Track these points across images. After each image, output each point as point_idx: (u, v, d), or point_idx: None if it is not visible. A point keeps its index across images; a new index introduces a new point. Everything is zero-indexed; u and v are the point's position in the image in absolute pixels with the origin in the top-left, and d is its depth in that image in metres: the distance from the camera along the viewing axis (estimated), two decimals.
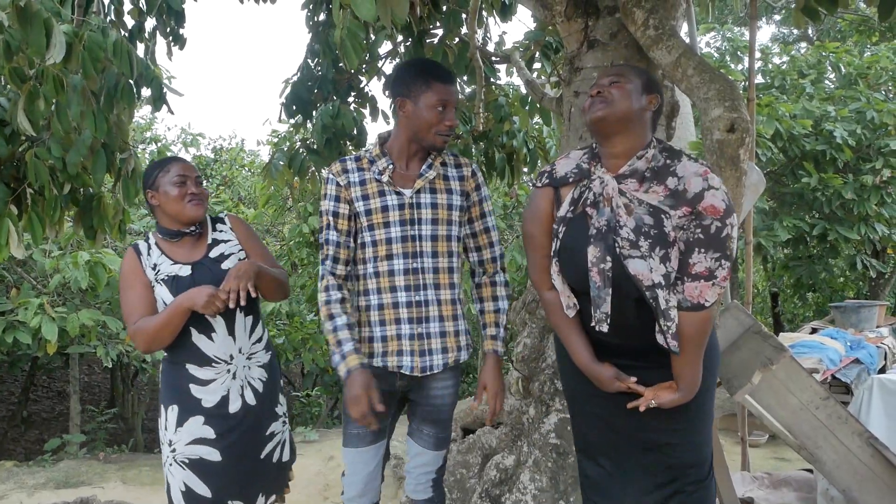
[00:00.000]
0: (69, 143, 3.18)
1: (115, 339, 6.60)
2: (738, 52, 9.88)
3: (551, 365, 2.74)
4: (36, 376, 11.51)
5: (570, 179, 1.91)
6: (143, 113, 14.36)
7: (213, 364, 2.24)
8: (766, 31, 16.51)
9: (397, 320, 2.11)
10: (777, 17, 16.31)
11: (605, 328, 1.85)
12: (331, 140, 4.19)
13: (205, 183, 8.55)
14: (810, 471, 3.87)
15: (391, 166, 2.13)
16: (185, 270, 2.25)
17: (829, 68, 9.58)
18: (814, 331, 7.58)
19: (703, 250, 1.76)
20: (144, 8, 4.05)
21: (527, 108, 4.25)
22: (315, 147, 4.29)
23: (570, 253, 1.88)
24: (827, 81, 9.56)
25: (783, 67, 9.70)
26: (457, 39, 4.23)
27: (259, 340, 2.37)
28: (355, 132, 4.29)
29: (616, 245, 1.80)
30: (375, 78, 4.78)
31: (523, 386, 2.76)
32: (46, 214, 3.24)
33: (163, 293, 2.21)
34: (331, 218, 2.12)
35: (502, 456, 2.65)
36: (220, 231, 2.38)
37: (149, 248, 2.29)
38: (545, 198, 1.96)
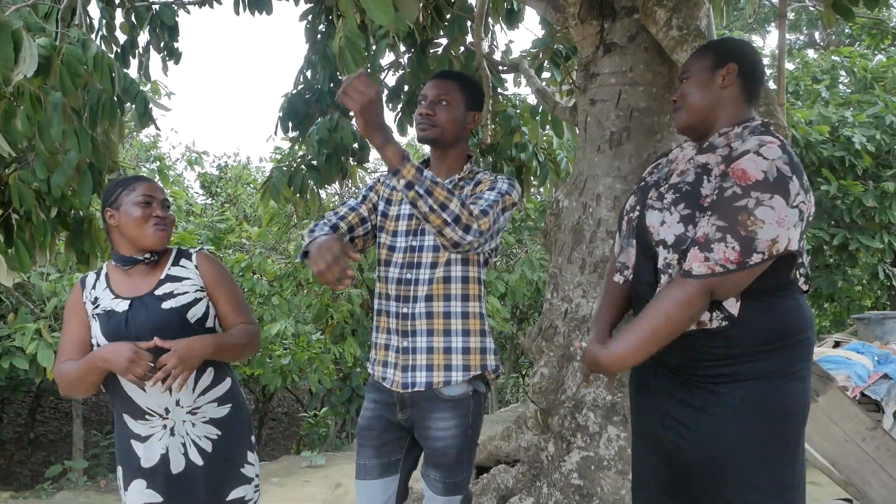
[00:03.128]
0: (55, 164, 3.01)
1: None
2: None
3: (571, 397, 2.51)
4: (42, 398, 11.34)
5: (665, 156, 1.83)
6: (148, 132, 14.33)
7: (147, 417, 1.97)
8: (773, 37, 16.27)
9: (388, 330, 2.01)
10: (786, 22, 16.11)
11: (619, 279, 1.74)
12: (331, 156, 4.00)
13: (173, 208, 8.40)
14: (848, 500, 3.62)
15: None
16: (122, 305, 1.98)
17: (843, 73, 9.40)
18: (837, 344, 7.32)
19: (709, 213, 1.49)
20: (135, 22, 3.90)
21: (537, 118, 4.04)
22: (315, 164, 4.09)
23: (623, 207, 1.81)
24: (841, 86, 9.36)
25: (795, 73, 9.50)
26: (462, 48, 4.04)
27: (205, 392, 2.03)
28: (356, 147, 4.09)
29: (649, 196, 1.67)
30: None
31: (542, 420, 2.54)
32: (36, 239, 3.05)
33: (95, 330, 1.97)
34: (356, 197, 2.12)
35: (520, 498, 2.43)
36: (182, 267, 2.10)
37: (96, 279, 2.06)
38: (645, 172, 1.89)
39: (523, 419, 2.66)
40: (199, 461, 2.01)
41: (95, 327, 1.98)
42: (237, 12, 3.83)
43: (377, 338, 2.06)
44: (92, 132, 2.75)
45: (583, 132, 2.67)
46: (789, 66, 9.85)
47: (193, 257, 2.11)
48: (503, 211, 1.88)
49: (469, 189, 1.99)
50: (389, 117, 4.64)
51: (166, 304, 1.98)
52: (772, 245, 1.44)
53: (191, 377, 1.95)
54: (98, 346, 1.95)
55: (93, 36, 4.05)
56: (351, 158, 4.13)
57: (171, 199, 2.17)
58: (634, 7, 2.48)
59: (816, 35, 16.27)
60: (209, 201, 13.87)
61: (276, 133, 4.34)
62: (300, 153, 4.58)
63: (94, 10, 4.27)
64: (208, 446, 2.03)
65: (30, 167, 3.05)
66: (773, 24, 15.78)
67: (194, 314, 1.99)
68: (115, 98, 2.66)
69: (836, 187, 7.45)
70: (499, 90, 4.05)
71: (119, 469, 2.03)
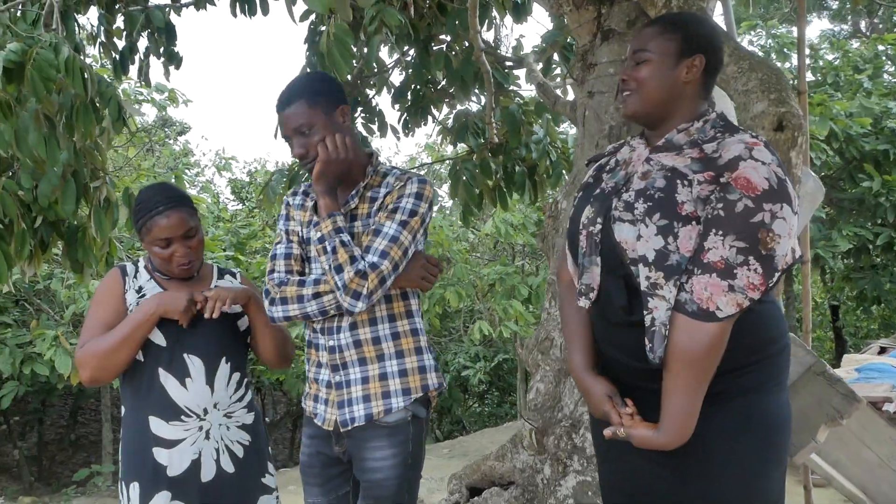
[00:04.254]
0: (42, 172, 2.92)
1: None
2: (785, 50, 9.23)
3: (569, 415, 2.31)
4: (81, 399, 11.51)
5: (607, 152, 1.68)
6: (183, 139, 14.47)
7: (184, 417, 1.89)
8: (814, 28, 15.71)
9: (319, 363, 1.88)
10: (827, 13, 15.56)
11: (585, 303, 1.53)
12: None
13: (208, 231, 8.36)
14: None
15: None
16: None
17: (888, 62, 8.94)
18: (882, 350, 6.94)
19: (720, 233, 1.34)
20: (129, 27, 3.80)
21: (548, 116, 3.83)
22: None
23: (574, 219, 1.61)
24: (886, 76, 8.90)
25: (836, 63, 9.06)
26: (466, 43, 3.86)
27: (240, 399, 2.02)
28: None
29: (611, 207, 1.48)
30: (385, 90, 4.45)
31: (536, 440, 2.34)
32: (14, 250, 2.97)
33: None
34: (281, 239, 1.97)
35: None
36: (229, 282, 2.11)
37: (136, 270, 2.00)
38: (587, 175, 1.72)
39: (519, 438, 2.47)
40: (230, 468, 1.95)
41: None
42: (234, 14, 3.72)
43: (309, 371, 1.93)
44: (72, 138, 2.66)
45: (581, 127, 2.47)
46: (829, 56, 9.42)
47: (238, 276, 2.15)
48: (413, 236, 1.78)
49: (378, 201, 1.84)
50: (394, 118, 4.51)
51: (223, 308, 1.97)
52: (783, 259, 1.34)
53: (230, 378, 1.97)
54: (149, 339, 1.89)
55: (93, 42, 4.02)
56: None
57: (198, 216, 2.05)
58: None
59: (862, 24, 15.65)
60: (239, 207, 13.96)
61: (275, 137, 4.22)
62: None
63: (93, 17, 4.22)
64: (240, 452, 1.98)
65: (16, 176, 2.98)
66: (814, 14, 15.22)
67: (242, 324, 2.02)
68: (91, 103, 2.55)
69: (879, 183, 7.05)
70: (506, 86, 3.85)
71: (133, 487, 1.89)
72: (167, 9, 3.74)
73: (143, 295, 1.93)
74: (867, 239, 7.46)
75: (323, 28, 3.95)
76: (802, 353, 2.35)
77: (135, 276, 1.98)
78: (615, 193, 1.50)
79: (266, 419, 8.88)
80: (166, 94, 7.13)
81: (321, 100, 1.76)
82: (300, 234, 1.90)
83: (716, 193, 1.35)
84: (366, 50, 3.17)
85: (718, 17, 2.43)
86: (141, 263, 2.03)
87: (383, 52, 4.45)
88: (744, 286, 1.32)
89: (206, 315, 1.87)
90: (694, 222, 1.37)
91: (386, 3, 2.95)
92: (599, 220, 1.49)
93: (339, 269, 1.69)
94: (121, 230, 5.71)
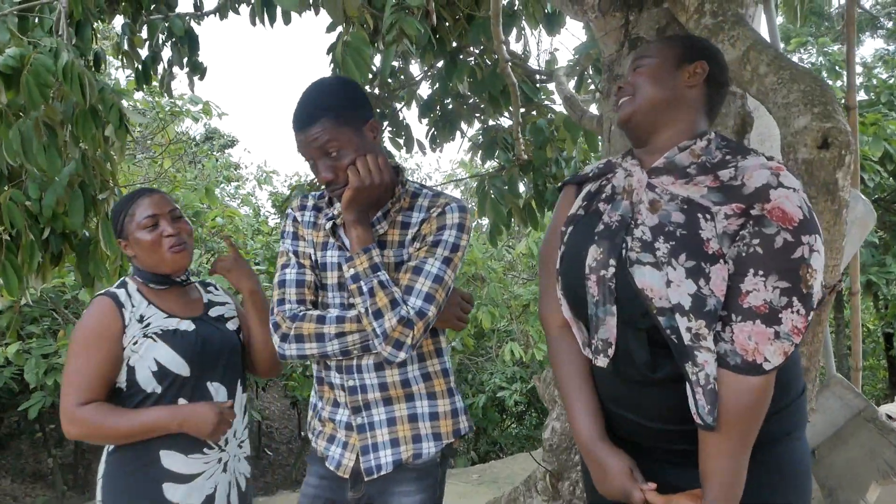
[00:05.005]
0: (49, 182, 2.85)
1: None
2: (837, 68, 8.87)
3: None
4: None
5: (593, 174, 1.50)
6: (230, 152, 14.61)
7: (206, 450, 1.74)
8: (868, 47, 15.19)
9: (334, 402, 1.68)
10: (882, 32, 15.02)
11: (603, 362, 1.33)
12: None
13: (246, 243, 8.38)
14: None
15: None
16: (187, 325, 1.78)
17: None
18: None
19: (761, 273, 1.20)
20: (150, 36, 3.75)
21: (570, 131, 3.64)
22: None
23: (572, 259, 1.40)
24: None
25: (890, 82, 8.66)
26: (497, 56, 3.70)
27: (247, 427, 1.92)
28: None
29: (625, 246, 1.30)
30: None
31: (551, 483, 2.14)
32: (24, 261, 2.89)
33: (158, 351, 1.71)
34: (289, 259, 1.74)
35: None
36: (214, 294, 1.98)
37: (129, 296, 1.78)
38: (564, 200, 1.55)
39: (533, 481, 2.26)
40: (235, 503, 1.83)
41: (158, 349, 1.72)
42: (253, 23, 3.63)
43: (321, 408, 1.72)
44: (77, 147, 2.58)
45: (606, 143, 2.28)
46: (883, 75, 9.01)
47: (219, 289, 2.03)
48: (454, 273, 1.58)
49: (413, 228, 1.63)
50: (421, 132, 4.36)
51: (230, 325, 1.89)
52: (817, 296, 1.22)
53: (242, 399, 1.87)
54: (170, 370, 1.72)
55: (117, 52, 3.98)
56: None
57: (179, 208, 1.91)
58: None
59: None
60: (279, 220, 14.03)
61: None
62: None
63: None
64: (244, 485, 1.86)
65: (24, 186, 2.91)
66: (867, 34, 14.70)
67: (241, 336, 1.94)
68: (91, 110, 2.46)
69: None
70: (536, 100, 3.67)
71: None
72: (188, 17, 3.67)
73: (148, 325, 1.73)
74: None
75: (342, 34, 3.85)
76: (851, 395, 2.11)
77: (131, 304, 1.77)
78: (624, 229, 1.32)
79: None
80: (200, 105, 7.13)
81: (349, 115, 1.54)
82: (312, 258, 1.67)
83: (749, 228, 1.21)
84: (380, 59, 3.01)
85: (762, 29, 2.23)
86: (131, 286, 1.82)
87: (414, 66, 4.34)
88: (789, 331, 1.19)
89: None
90: (721, 261, 1.22)
91: (408, 12, 2.81)
92: (612, 262, 1.30)
93: (378, 315, 1.48)
94: None
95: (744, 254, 1.20)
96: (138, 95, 7.17)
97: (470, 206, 4.46)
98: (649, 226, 1.28)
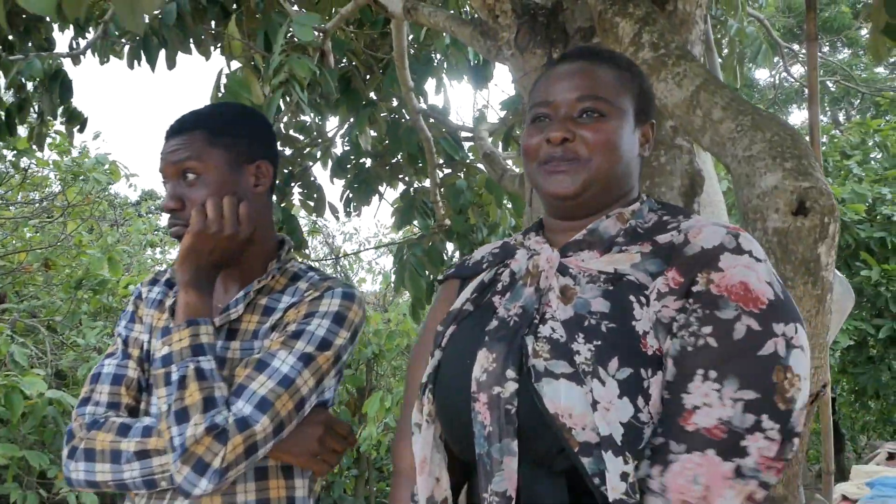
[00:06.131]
0: None
1: (41, 478, 5.51)
2: None
3: None
4: None
5: (485, 264, 1.11)
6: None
7: None
8: (795, 118, 15.69)
9: None
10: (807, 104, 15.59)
11: None
12: None
13: None
14: None
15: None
16: None
17: (876, 147, 8.64)
18: (891, 456, 6.31)
19: (713, 377, 0.83)
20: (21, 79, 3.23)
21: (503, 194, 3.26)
22: None
23: (452, 371, 0.99)
24: (873, 162, 8.58)
25: (823, 149, 8.74)
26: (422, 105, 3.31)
27: None
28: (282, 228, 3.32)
29: (528, 351, 0.90)
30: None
31: None
32: None
33: None
34: (115, 348, 1.37)
35: None
36: None
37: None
38: (443, 298, 1.16)
39: None
40: None
41: None
42: (131, 66, 3.16)
43: None
44: None
45: (528, 207, 1.87)
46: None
47: None
48: (318, 381, 1.15)
49: (276, 315, 1.22)
50: (335, 195, 3.93)
51: None
52: (801, 416, 0.84)
53: None
54: None
55: None
56: None
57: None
58: (593, 28, 1.71)
59: (841, 116, 15.67)
60: None
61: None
62: None
63: None
64: None
65: None
66: (794, 105, 15.19)
67: None
68: None
69: (878, 272, 6.59)
70: (457, 158, 3.28)
71: None
72: (57, 58, 3.17)
73: None
74: (868, 332, 6.99)
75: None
76: None
77: None
78: (527, 326, 0.92)
79: None
80: (108, 166, 6.54)
81: (230, 141, 1.23)
82: (144, 346, 1.26)
83: (693, 310, 0.86)
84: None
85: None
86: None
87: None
88: (755, 465, 0.80)
89: None
90: (661, 362, 0.87)
91: (302, 52, 2.39)
92: (511, 374, 0.89)
93: (181, 417, 1.06)
94: None
95: (689, 348, 0.85)
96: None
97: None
98: (561, 320, 0.91)
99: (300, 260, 1.38)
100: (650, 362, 0.86)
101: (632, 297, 0.89)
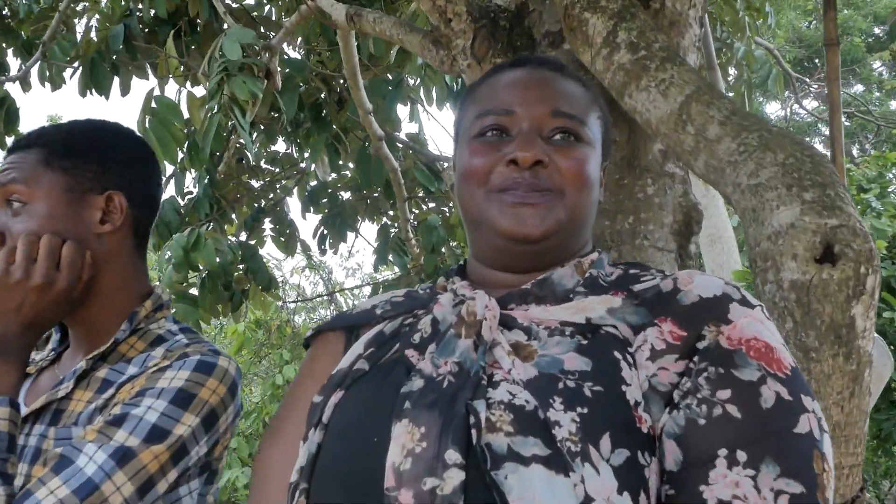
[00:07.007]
0: None
1: None
2: None
3: None
4: None
5: (381, 312, 0.83)
6: None
7: None
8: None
9: None
10: (821, 139, 15.39)
11: None
12: (207, 281, 2.92)
13: None
14: None
15: (55, 349, 1.07)
16: None
17: (894, 181, 8.33)
18: None
19: (741, 455, 0.58)
20: None
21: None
22: (191, 293, 3.00)
23: (346, 455, 0.66)
24: (893, 196, 8.27)
25: None
26: (396, 133, 3.02)
27: None
28: (246, 268, 3.02)
29: (478, 422, 0.60)
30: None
31: None
32: None
33: None
34: None
35: None
36: None
37: None
38: (319, 355, 0.85)
39: None
40: None
41: None
42: (83, 94, 2.90)
43: None
44: None
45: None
46: None
47: None
48: (141, 489, 0.83)
49: (117, 387, 0.92)
50: (308, 231, 3.66)
51: None
52: None
53: None
54: None
55: None
56: (237, 285, 3.03)
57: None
58: (562, 33, 1.40)
59: (854, 150, 15.43)
60: None
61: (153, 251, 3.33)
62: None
63: None
64: None
65: None
66: (807, 139, 14.96)
67: None
68: None
69: None
70: (434, 190, 2.97)
71: None
72: (2, 85, 2.91)
73: None
74: (891, 378, 6.57)
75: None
76: None
77: None
78: (473, 388, 0.64)
79: None
80: None
81: (69, 164, 0.98)
82: None
83: (701, 369, 0.63)
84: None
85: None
86: None
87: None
88: None
89: None
90: (657, 439, 0.63)
91: (245, 72, 2.11)
92: (453, 458, 0.58)
93: None
94: None
95: (700, 421, 0.61)
96: None
97: None
98: (524, 380, 0.64)
99: (172, 320, 1.07)
100: (646, 443, 0.62)
101: (616, 354, 0.66)
